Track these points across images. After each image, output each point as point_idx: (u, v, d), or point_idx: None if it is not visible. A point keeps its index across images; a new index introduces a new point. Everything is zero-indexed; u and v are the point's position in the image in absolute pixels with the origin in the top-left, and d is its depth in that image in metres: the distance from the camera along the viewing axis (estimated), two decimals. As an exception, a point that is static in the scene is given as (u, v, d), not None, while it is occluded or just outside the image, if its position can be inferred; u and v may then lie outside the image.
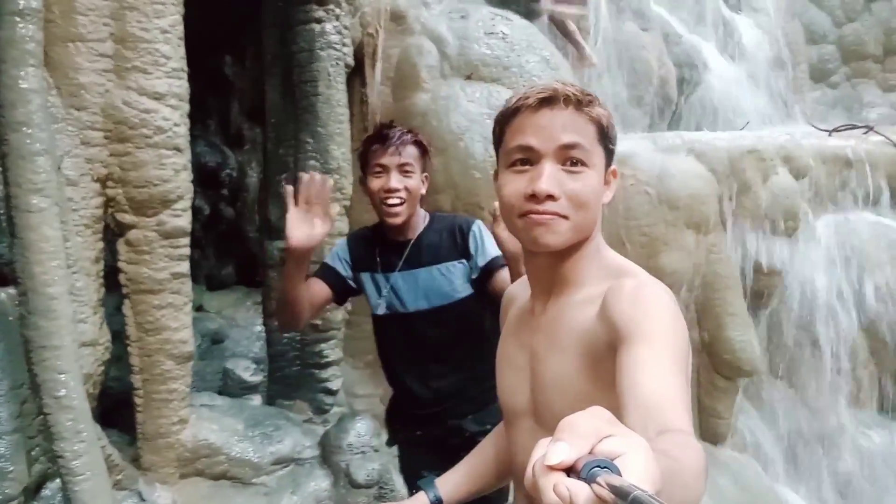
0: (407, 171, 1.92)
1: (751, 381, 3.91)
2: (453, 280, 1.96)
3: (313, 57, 2.69)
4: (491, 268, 1.93)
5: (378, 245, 2.05)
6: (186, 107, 2.27)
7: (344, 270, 2.09)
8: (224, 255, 3.76)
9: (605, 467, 0.51)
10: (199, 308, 3.26)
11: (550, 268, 1.12)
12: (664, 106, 5.63)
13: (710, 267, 3.68)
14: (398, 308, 2.01)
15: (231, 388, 2.76)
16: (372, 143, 1.97)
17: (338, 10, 2.69)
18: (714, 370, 3.76)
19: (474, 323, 1.99)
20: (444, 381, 2.01)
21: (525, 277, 1.27)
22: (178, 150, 2.22)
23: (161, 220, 2.23)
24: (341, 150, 2.76)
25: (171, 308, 2.28)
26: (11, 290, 1.94)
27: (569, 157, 1.05)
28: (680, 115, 5.81)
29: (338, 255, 2.11)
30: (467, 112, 3.46)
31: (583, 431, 0.55)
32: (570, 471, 0.52)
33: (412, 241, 2.00)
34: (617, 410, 0.98)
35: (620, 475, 0.51)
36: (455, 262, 1.97)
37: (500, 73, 3.60)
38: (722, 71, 6.00)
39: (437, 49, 3.60)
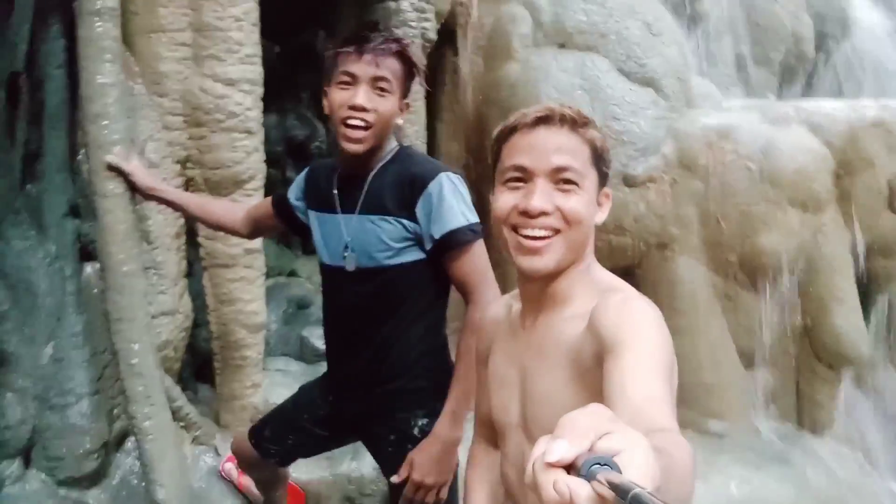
0: (382, 89, 1.52)
1: (861, 369, 3.64)
2: (378, 237, 1.55)
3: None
4: (446, 244, 1.52)
5: (338, 179, 1.65)
6: (260, 90, 2.38)
7: (295, 198, 1.77)
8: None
9: (604, 464, 0.51)
10: (290, 273, 3.45)
11: (541, 288, 1.14)
12: (797, 65, 5.18)
13: (816, 248, 3.41)
14: (357, 260, 1.59)
15: (306, 354, 2.92)
16: (344, 45, 1.54)
17: (415, -15, 2.68)
18: (816, 357, 3.53)
19: (400, 303, 1.59)
20: (351, 362, 1.67)
21: (508, 295, 1.30)
22: (249, 132, 2.35)
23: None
24: (415, 127, 2.79)
25: (244, 281, 2.45)
26: (97, 265, 2.15)
27: (561, 178, 1.06)
28: (818, 76, 5.33)
29: (295, 182, 1.80)
30: (558, 83, 3.37)
31: (582, 429, 0.55)
32: (569, 468, 0.53)
33: (371, 177, 1.58)
34: None
35: (620, 472, 0.51)
36: (388, 218, 1.54)
37: (596, 40, 3.46)
38: (873, 25, 5.40)
39: (531, 17, 3.51)
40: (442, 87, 3.64)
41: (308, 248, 3.81)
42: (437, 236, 1.52)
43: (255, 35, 2.35)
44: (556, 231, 1.06)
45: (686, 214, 3.42)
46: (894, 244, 3.51)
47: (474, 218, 1.54)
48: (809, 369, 3.59)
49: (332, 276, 1.67)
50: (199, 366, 2.90)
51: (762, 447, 3.43)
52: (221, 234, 2.40)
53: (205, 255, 2.46)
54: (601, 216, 1.14)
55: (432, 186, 1.51)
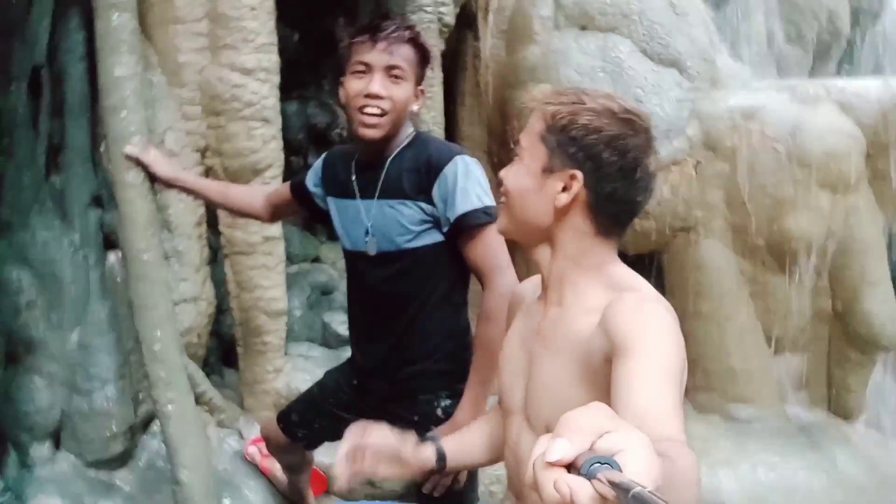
0: (396, 76, 1.54)
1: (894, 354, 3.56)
2: (401, 221, 1.57)
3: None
4: (460, 226, 1.53)
5: (356, 166, 1.67)
6: (276, 79, 2.41)
7: (314, 185, 1.79)
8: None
9: (605, 463, 0.51)
10: (315, 259, 3.48)
11: (539, 265, 1.17)
12: (832, 43, 5.04)
13: (847, 231, 3.33)
14: (378, 244, 1.62)
15: (329, 340, 2.96)
16: (359, 34, 1.57)
17: (431, -30, 2.67)
18: (847, 342, 3.46)
19: (422, 285, 1.61)
20: (375, 345, 1.70)
21: (535, 277, 1.27)
22: (266, 121, 2.38)
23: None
24: (432, 114, 2.79)
25: (264, 268, 2.49)
26: (119, 254, 2.20)
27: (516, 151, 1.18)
28: (854, 54, 5.18)
29: (312, 169, 1.83)
30: (579, 66, 3.34)
31: (583, 428, 0.55)
32: (570, 467, 0.53)
33: (389, 162, 1.61)
34: None
35: (621, 471, 0.51)
36: (407, 202, 1.56)
37: (618, 21, 3.41)
38: (911, -1, 5.23)
39: (552, -1, 3.47)
40: (463, 71, 3.63)
41: (332, 235, 3.85)
42: (451, 219, 1.54)
43: (271, 24, 2.37)
44: (504, 199, 1.18)
45: (712, 197, 3.37)
46: (930, 226, 3.42)
47: (489, 201, 1.54)
48: (841, 355, 3.52)
49: (354, 262, 1.70)
50: (225, 351, 2.96)
51: (791, 433, 3.39)
52: (241, 221, 2.44)
53: (225, 243, 2.50)
54: (563, 199, 1.08)
55: (448, 169, 1.53)
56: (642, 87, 3.29)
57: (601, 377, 0.98)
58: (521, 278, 1.44)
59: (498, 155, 3.69)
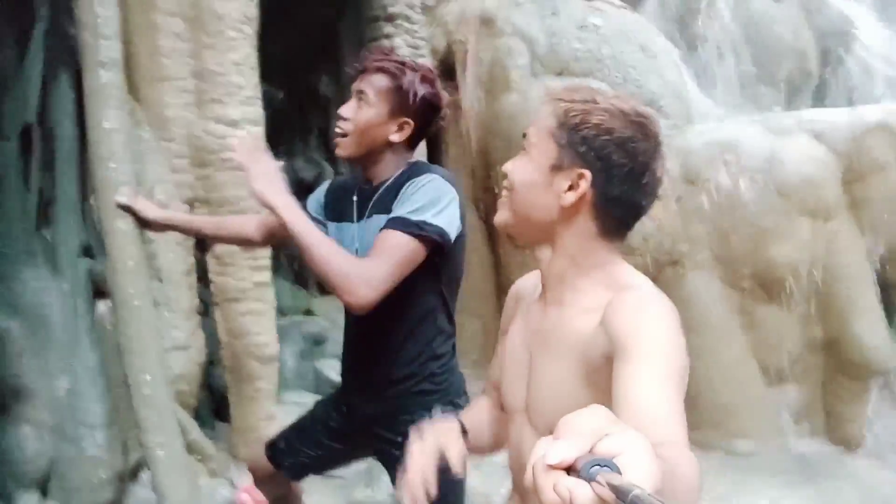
0: (362, 101, 1.58)
1: (889, 380, 3.55)
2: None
3: (383, 71, 2.82)
4: (385, 225, 1.52)
5: (357, 190, 1.70)
6: (261, 129, 2.49)
7: (315, 211, 1.80)
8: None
9: (605, 466, 0.51)
10: (307, 311, 3.52)
11: (557, 277, 1.12)
12: (802, 82, 5.21)
13: (831, 257, 3.38)
14: None
15: (321, 387, 2.97)
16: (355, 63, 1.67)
17: (408, 25, 2.80)
18: (839, 370, 3.45)
19: (405, 305, 1.61)
20: (363, 367, 1.72)
21: (535, 272, 1.26)
22: (252, 170, 2.44)
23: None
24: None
25: (255, 314, 2.52)
26: (109, 302, 2.24)
27: (523, 144, 1.12)
28: (826, 91, 5.35)
29: (314, 196, 1.85)
30: (557, 110, 3.44)
31: (582, 430, 0.55)
32: (570, 470, 0.53)
33: (383, 188, 1.63)
34: None
35: (620, 474, 0.51)
36: (382, 216, 1.57)
37: (592, 66, 3.55)
38: (877, 38, 5.43)
39: (527, 48, 3.62)
40: (446, 122, 3.75)
41: (323, 288, 3.89)
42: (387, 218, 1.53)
43: (255, 78, 2.47)
44: (506, 192, 1.12)
45: (695, 230, 3.43)
46: (913, 249, 3.46)
47: (432, 220, 1.50)
48: (836, 383, 3.52)
49: None
50: (216, 404, 2.96)
51: (793, 466, 3.35)
52: (231, 268, 2.49)
53: (215, 291, 2.54)
54: (569, 197, 1.06)
55: (415, 180, 1.54)
56: (619, 127, 3.39)
57: (602, 377, 0.97)
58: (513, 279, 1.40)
59: (483, 201, 3.77)
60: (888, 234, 3.43)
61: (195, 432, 2.44)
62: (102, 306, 2.26)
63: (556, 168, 1.06)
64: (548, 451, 0.54)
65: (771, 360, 3.49)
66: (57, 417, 2.10)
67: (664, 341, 0.93)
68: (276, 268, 3.38)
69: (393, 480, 1.73)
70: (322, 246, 1.47)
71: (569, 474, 0.52)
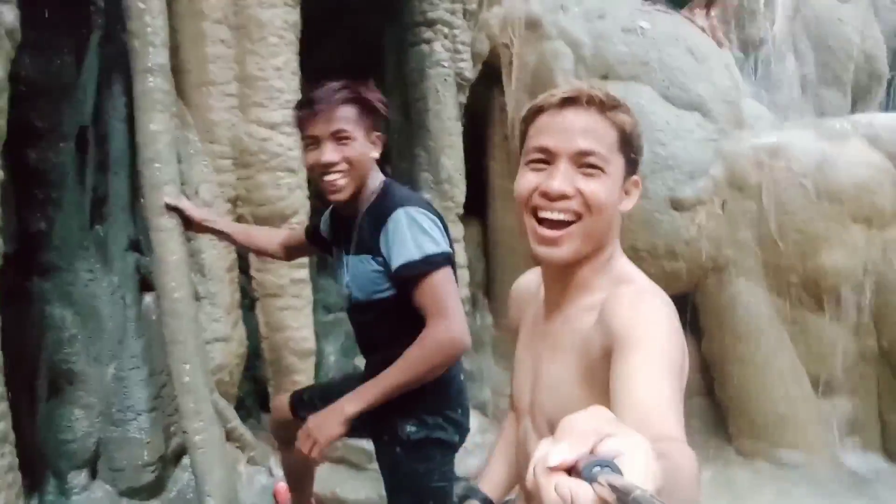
0: (343, 139, 1.60)
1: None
2: (368, 274, 1.66)
3: (423, 76, 2.89)
4: (400, 277, 1.59)
5: (338, 221, 1.79)
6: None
7: (325, 232, 1.90)
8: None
9: (606, 466, 0.51)
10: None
11: (560, 276, 1.12)
12: (871, 84, 5.01)
13: (887, 266, 3.26)
14: (354, 296, 1.73)
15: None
16: (300, 109, 1.66)
17: (447, 30, 2.86)
18: (894, 382, 3.32)
19: (395, 329, 1.66)
20: (368, 369, 1.81)
21: (532, 271, 1.28)
22: (291, 171, 2.55)
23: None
24: (452, 161, 2.93)
25: (293, 310, 2.62)
26: (154, 295, 2.38)
27: (584, 163, 1.03)
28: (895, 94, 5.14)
29: (324, 217, 1.94)
30: (601, 114, 3.43)
31: (583, 431, 0.55)
32: (571, 471, 0.53)
33: (360, 217, 1.69)
34: None
35: (621, 474, 0.51)
36: (367, 257, 1.65)
37: (637, 69, 3.52)
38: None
39: (572, 52, 3.61)
40: (492, 126, 3.79)
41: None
42: (392, 272, 1.60)
43: (295, 82, 2.57)
44: (578, 216, 1.04)
45: (741, 236, 3.36)
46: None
47: (433, 248, 1.57)
48: (891, 395, 3.39)
49: (345, 305, 1.84)
50: (262, 396, 3.08)
51: (844, 479, 3.25)
52: (271, 265, 2.60)
53: (256, 287, 2.65)
54: (628, 204, 1.09)
55: (389, 223, 1.59)
56: (664, 130, 3.36)
57: (600, 373, 0.97)
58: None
59: (528, 203, 3.79)
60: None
61: (235, 421, 2.56)
62: (148, 298, 2.39)
63: (624, 181, 1.07)
64: (549, 453, 0.54)
65: (821, 371, 3.39)
66: (104, 402, 2.24)
67: (661, 335, 0.94)
68: (322, 266, 3.49)
69: (381, 469, 1.80)
70: (402, 376, 1.57)
71: (570, 475, 0.52)
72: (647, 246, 3.37)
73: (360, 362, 3.22)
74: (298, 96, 2.58)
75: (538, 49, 3.65)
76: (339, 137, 1.60)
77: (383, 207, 1.63)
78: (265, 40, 2.48)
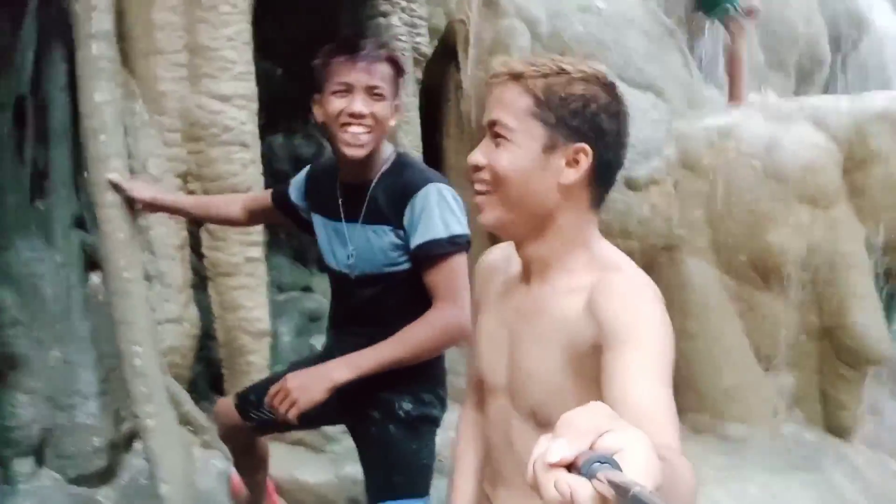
0: (377, 95, 1.57)
1: (885, 369, 3.55)
2: (384, 247, 1.63)
3: (379, 50, 2.83)
4: (421, 254, 1.58)
5: (340, 187, 1.70)
6: (254, 106, 2.50)
7: (298, 199, 1.84)
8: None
9: (605, 463, 0.51)
10: (305, 288, 3.55)
11: (523, 251, 1.11)
12: (813, 68, 5.15)
13: (830, 245, 3.36)
14: (360, 267, 1.68)
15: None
16: (336, 55, 1.60)
17: (404, 3, 2.79)
18: (837, 357, 3.45)
19: (398, 306, 1.64)
20: (351, 339, 1.69)
21: (500, 245, 1.25)
22: (244, 146, 2.46)
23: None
24: (409, 138, 2.89)
25: (246, 289, 2.54)
26: (101, 274, 2.27)
27: (494, 133, 1.04)
28: (835, 79, 5.29)
29: (295, 182, 1.87)
30: (556, 92, 3.43)
31: (582, 428, 0.55)
32: (570, 467, 0.53)
33: (373, 186, 1.65)
34: None
35: (621, 471, 0.51)
36: (386, 228, 1.62)
37: (593, 49, 3.53)
38: (892, 25, 5.37)
39: (528, 30, 3.59)
40: (446, 103, 3.74)
41: (322, 265, 3.92)
42: (412, 246, 1.58)
43: (248, 54, 2.48)
44: (490, 186, 1.04)
45: (692, 216, 3.42)
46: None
47: (459, 230, 1.57)
48: (832, 371, 3.51)
49: (337, 280, 1.76)
50: (214, 377, 3.00)
51: (786, 452, 3.36)
52: (223, 244, 2.51)
53: (209, 265, 2.56)
54: (570, 174, 1.03)
55: (418, 197, 1.57)
56: (619, 110, 3.38)
57: (588, 365, 0.96)
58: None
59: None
60: (887, 223, 3.41)
61: (188, 404, 2.48)
62: (95, 278, 2.29)
63: (549, 149, 1.02)
64: (548, 449, 0.54)
65: (766, 347, 3.49)
66: (50, 386, 2.14)
67: (655, 331, 0.93)
68: (275, 244, 3.41)
69: (361, 451, 1.76)
70: (401, 351, 1.55)
71: (570, 471, 0.52)
72: (600, 225, 3.39)
73: (318, 342, 3.17)
74: (251, 70, 2.49)
75: (494, 26, 3.62)
76: (374, 93, 1.57)
77: (407, 180, 1.61)
78: (216, 9, 2.37)
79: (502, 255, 1.23)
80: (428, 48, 3.06)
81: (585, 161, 1.02)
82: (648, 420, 0.80)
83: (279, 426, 1.93)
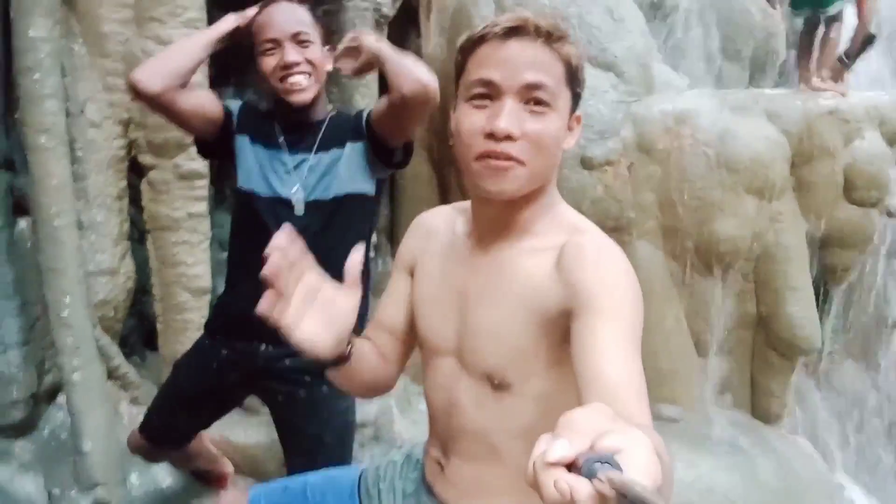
0: (304, 42, 1.60)
1: (817, 361, 3.67)
2: (338, 167, 1.64)
3: (340, 8, 2.74)
4: (372, 112, 1.64)
5: (280, 122, 1.69)
6: (204, 56, 2.39)
7: (235, 125, 1.75)
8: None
9: (605, 463, 0.51)
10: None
11: (502, 213, 1.05)
12: (767, 60, 5.22)
13: (772, 236, 3.43)
14: (310, 195, 1.64)
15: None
16: (257, 18, 1.63)
17: (369, -40, 2.70)
18: (769, 346, 3.55)
19: (341, 240, 1.55)
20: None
21: (442, 207, 1.23)
22: (192, 96, 2.36)
23: (177, 163, 2.40)
24: (366, 101, 2.81)
25: (188, 245, 2.46)
26: (30, 220, 2.17)
27: (532, 98, 0.97)
28: (790, 72, 5.37)
29: (229, 102, 1.80)
30: (518, 64, 3.39)
31: (583, 428, 0.55)
32: (571, 467, 0.53)
33: (327, 120, 1.68)
34: (557, 367, 0.98)
35: (621, 471, 0.51)
36: (342, 148, 1.64)
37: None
38: (847, 21, 5.44)
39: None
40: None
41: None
42: (363, 118, 1.65)
43: (200, 1, 2.37)
44: (521, 163, 0.97)
45: (644, 199, 3.44)
46: (850, 235, 3.54)
47: None
48: (763, 359, 3.61)
49: (270, 209, 1.65)
50: (147, 333, 2.91)
51: (714, 434, 3.46)
52: (164, 197, 2.42)
53: (148, 218, 2.47)
54: (570, 141, 1.04)
55: (363, 111, 1.68)
56: (578, 87, 3.36)
57: (556, 328, 0.95)
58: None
59: (438, 152, 3.72)
60: (828, 219, 3.50)
61: (118, 358, 2.40)
62: (23, 223, 2.18)
63: (570, 114, 1.03)
64: (548, 449, 0.54)
65: (703, 332, 3.57)
66: (-32, 333, 2.04)
67: (627, 299, 0.92)
68: (222, 200, 3.31)
69: (285, 419, 1.73)
70: (401, 55, 1.53)
71: (570, 471, 0.52)
72: (552, 202, 3.40)
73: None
74: (203, 16, 2.38)
75: (458, -8, 3.55)
76: (300, 40, 1.60)
77: (349, 111, 1.69)
78: (169, -52, 2.26)
79: (443, 218, 1.20)
80: (390, 9, 2.98)
81: (578, 128, 1.05)
82: (623, 395, 0.81)
83: (198, 424, 1.89)
